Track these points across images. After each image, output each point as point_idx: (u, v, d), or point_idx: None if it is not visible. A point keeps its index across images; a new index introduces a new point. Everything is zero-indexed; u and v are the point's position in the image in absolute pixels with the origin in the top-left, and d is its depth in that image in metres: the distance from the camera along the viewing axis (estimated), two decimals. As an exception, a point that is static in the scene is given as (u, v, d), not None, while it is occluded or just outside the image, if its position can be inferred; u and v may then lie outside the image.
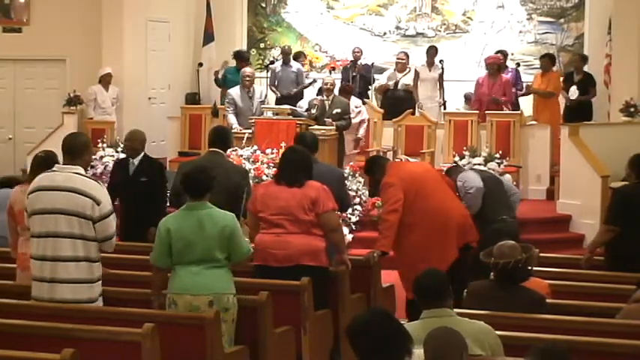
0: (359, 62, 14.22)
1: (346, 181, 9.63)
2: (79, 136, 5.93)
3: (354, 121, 11.90)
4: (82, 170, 5.66)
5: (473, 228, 7.31)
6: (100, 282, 5.73)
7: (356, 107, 12.13)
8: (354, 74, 13.97)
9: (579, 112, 12.75)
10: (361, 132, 12.23)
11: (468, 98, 13.88)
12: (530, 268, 5.69)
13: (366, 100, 13.43)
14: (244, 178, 7.43)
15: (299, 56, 14.78)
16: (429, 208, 7.19)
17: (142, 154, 8.53)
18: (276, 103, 13.16)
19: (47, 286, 5.58)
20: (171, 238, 5.77)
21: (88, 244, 5.58)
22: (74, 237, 5.54)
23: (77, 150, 5.69)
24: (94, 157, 11.23)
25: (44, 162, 6.31)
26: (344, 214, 9.71)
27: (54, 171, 5.72)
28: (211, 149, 7.41)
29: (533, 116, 13.20)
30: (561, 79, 13.33)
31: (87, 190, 5.56)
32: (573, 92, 13.00)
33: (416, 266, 7.04)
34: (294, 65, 14.17)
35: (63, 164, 5.75)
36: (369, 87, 14.10)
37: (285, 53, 14.21)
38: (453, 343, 3.95)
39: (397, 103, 13.34)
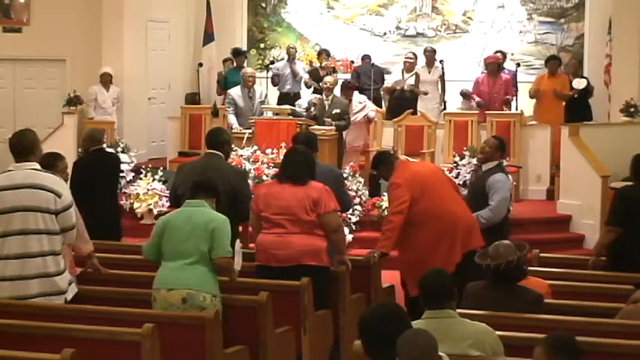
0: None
1: (346, 181, 9.63)
2: (27, 133, 5.85)
3: (359, 115, 11.91)
4: (38, 166, 5.70)
5: (479, 233, 7.27)
6: (67, 272, 5.75)
7: (360, 102, 12.10)
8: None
9: (579, 112, 12.74)
10: (372, 114, 12.19)
11: (464, 95, 13.83)
12: (525, 267, 5.68)
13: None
14: (243, 180, 7.40)
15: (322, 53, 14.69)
16: (436, 210, 7.17)
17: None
18: (277, 102, 13.23)
19: (9, 284, 5.57)
20: (164, 230, 5.90)
21: (52, 238, 5.61)
22: (40, 232, 5.57)
23: (29, 147, 5.70)
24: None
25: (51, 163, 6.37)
26: (344, 215, 9.68)
27: (10, 170, 5.70)
28: (209, 151, 7.35)
29: (535, 117, 13.14)
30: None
31: (48, 185, 5.60)
32: (580, 82, 12.99)
33: (422, 266, 7.02)
34: (298, 65, 14.24)
35: (16, 163, 5.70)
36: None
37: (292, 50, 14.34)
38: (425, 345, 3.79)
39: (403, 103, 13.29)
